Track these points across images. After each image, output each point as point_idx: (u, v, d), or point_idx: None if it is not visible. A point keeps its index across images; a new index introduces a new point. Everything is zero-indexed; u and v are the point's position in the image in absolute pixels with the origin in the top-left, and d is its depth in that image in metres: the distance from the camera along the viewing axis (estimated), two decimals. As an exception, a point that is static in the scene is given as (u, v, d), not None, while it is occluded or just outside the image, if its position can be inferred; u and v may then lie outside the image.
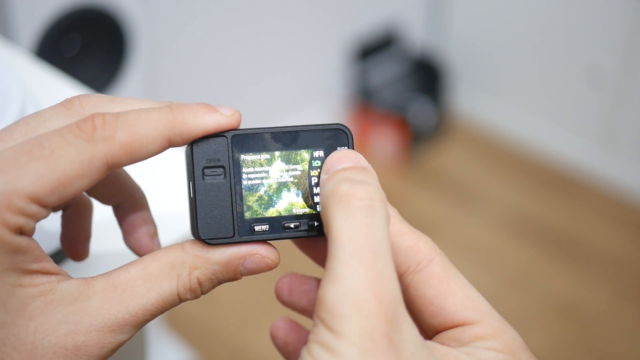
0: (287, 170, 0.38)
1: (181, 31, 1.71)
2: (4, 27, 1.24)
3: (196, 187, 0.37)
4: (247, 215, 0.38)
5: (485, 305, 0.38)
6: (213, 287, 0.38)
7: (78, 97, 0.37)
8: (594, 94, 2.02)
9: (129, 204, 0.43)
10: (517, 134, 2.21)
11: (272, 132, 0.38)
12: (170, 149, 0.37)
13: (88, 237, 0.44)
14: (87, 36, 1.34)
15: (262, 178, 0.38)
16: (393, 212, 0.39)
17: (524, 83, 2.18)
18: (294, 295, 0.43)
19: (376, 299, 0.32)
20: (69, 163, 0.34)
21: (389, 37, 2.21)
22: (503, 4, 2.15)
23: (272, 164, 0.38)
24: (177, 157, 0.61)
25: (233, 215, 0.38)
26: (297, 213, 0.38)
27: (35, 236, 0.35)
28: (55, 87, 0.68)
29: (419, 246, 0.39)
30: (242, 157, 0.38)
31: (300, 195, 0.38)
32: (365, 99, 2.16)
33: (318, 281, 0.43)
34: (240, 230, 0.38)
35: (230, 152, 0.38)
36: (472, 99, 2.29)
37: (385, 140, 2.13)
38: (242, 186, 0.38)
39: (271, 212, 0.38)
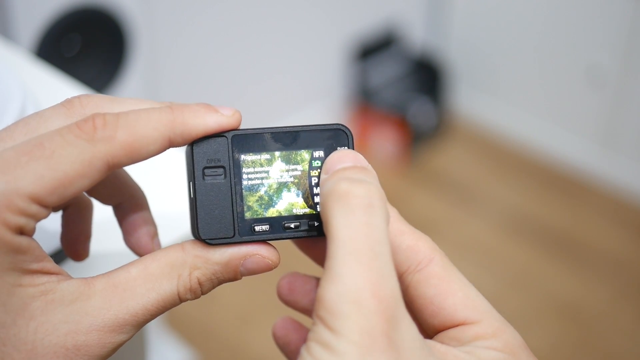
0: (288, 171, 0.38)
1: (181, 31, 1.71)
2: (4, 27, 1.24)
3: (196, 187, 0.37)
4: (248, 215, 0.38)
5: (485, 305, 0.38)
6: (213, 287, 0.38)
7: (78, 97, 0.37)
8: (594, 94, 2.02)
9: (129, 204, 0.43)
10: (517, 134, 2.21)
11: (272, 132, 0.38)
12: (171, 149, 0.37)
13: (88, 237, 0.44)
14: (87, 36, 1.34)
15: (262, 178, 0.38)
16: (393, 212, 0.39)
17: (524, 83, 2.19)
18: (295, 295, 0.43)
19: (375, 297, 0.32)
20: (70, 163, 0.34)
21: (389, 37, 2.21)
22: (503, 4, 2.15)
23: (272, 164, 0.38)
24: (177, 157, 0.61)
25: (233, 216, 0.38)
26: (298, 213, 0.38)
27: (35, 236, 0.35)
28: (55, 87, 0.68)
29: (418, 246, 0.39)
30: (243, 157, 0.38)
31: (301, 196, 0.38)
32: (365, 99, 2.16)
33: (319, 281, 0.43)
34: (240, 230, 0.38)
35: (230, 152, 0.38)
36: (472, 99, 2.29)
37: (385, 140, 2.13)
38: (243, 186, 0.38)
39: (271, 212, 0.38)
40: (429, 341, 0.37)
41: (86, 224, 0.43)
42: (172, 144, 0.36)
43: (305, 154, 0.39)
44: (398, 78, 2.21)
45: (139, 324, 0.36)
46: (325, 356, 0.32)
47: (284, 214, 0.38)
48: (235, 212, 0.38)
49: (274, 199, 0.38)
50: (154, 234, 0.44)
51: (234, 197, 0.38)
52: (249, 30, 1.86)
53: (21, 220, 0.33)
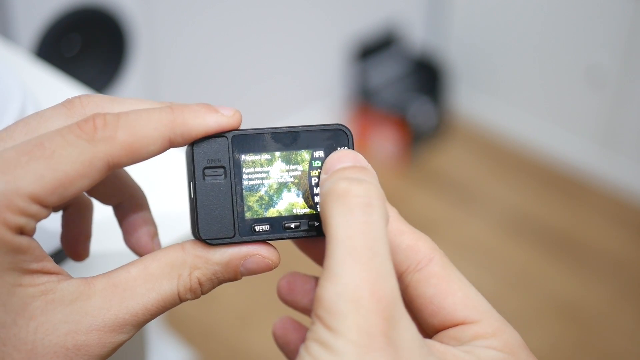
0: (288, 171, 0.38)
1: (181, 31, 1.71)
2: (4, 27, 1.24)
3: (197, 188, 0.37)
4: (248, 215, 0.38)
5: (484, 305, 0.38)
6: (213, 287, 0.38)
7: (79, 97, 0.37)
8: (594, 94, 2.02)
9: (129, 204, 0.43)
10: (517, 134, 2.21)
11: (272, 133, 0.38)
12: (171, 149, 0.37)
13: (88, 237, 0.44)
14: (87, 36, 1.34)
15: (262, 178, 0.38)
16: (393, 212, 0.39)
17: (524, 83, 2.19)
18: (295, 295, 0.43)
19: (373, 296, 0.32)
20: (70, 163, 0.34)
21: (389, 37, 2.21)
22: (503, 4, 2.15)
23: (272, 164, 0.38)
24: (177, 157, 0.61)
25: (234, 216, 0.38)
26: (298, 213, 0.38)
27: (35, 236, 0.35)
28: (55, 87, 0.68)
29: (418, 245, 0.39)
30: (243, 157, 0.38)
31: (301, 196, 0.38)
32: (365, 99, 2.16)
33: (318, 280, 0.43)
34: (240, 230, 0.38)
35: (230, 152, 0.38)
36: (472, 99, 2.29)
37: (385, 140, 2.13)
38: (243, 186, 0.38)
39: (272, 212, 0.38)
40: (428, 340, 0.37)
41: (86, 224, 0.43)
42: (173, 144, 0.36)
43: (305, 154, 0.39)
44: (398, 78, 2.21)
45: (139, 324, 0.36)
46: (323, 355, 0.32)
47: (284, 214, 0.38)
48: (235, 212, 0.38)
49: (274, 199, 0.38)
50: (154, 234, 0.44)
51: (234, 197, 0.38)
52: (249, 31, 1.86)
53: (21, 220, 0.33)
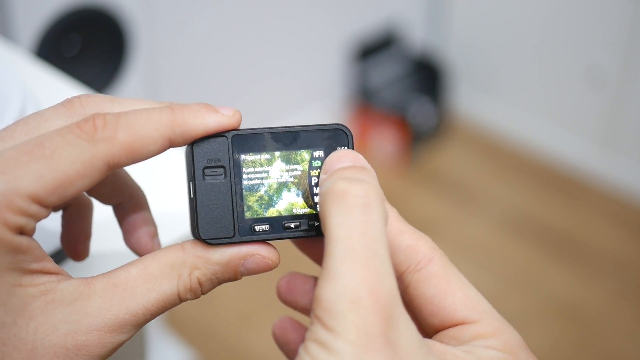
0: (288, 171, 0.38)
1: (181, 31, 1.71)
2: (4, 27, 1.24)
3: (196, 187, 0.37)
4: (248, 215, 0.38)
5: (484, 304, 0.38)
6: (213, 287, 0.38)
7: (79, 97, 0.37)
8: (594, 94, 2.02)
9: (129, 203, 0.43)
10: (517, 134, 2.21)
11: (272, 132, 0.38)
12: (171, 149, 0.37)
13: (88, 237, 0.44)
14: (87, 36, 1.34)
15: (262, 178, 0.38)
16: (392, 212, 0.39)
17: (524, 83, 2.19)
18: (295, 295, 0.43)
19: (372, 296, 0.32)
20: (70, 163, 0.34)
21: (389, 37, 2.21)
22: (503, 4, 2.15)
23: (272, 164, 0.38)
24: (177, 157, 0.61)
25: (233, 215, 0.38)
26: (298, 213, 0.38)
27: (35, 236, 0.35)
28: (55, 87, 0.68)
29: (418, 245, 0.39)
30: (243, 157, 0.38)
31: (301, 196, 0.38)
32: (365, 99, 2.16)
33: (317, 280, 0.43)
34: (240, 230, 0.38)
35: (230, 152, 0.38)
36: (472, 99, 2.29)
37: (385, 140, 2.13)
38: (243, 186, 0.38)
39: (271, 212, 0.38)
40: (428, 340, 0.37)
41: (86, 223, 0.43)
42: (173, 144, 0.36)
43: (305, 154, 0.39)
44: (398, 78, 2.21)
45: (139, 324, 0.36)
46: (322, 355, 0.32)
47: (284, 213, 0.38)
48: (235, 212, 0.38)
49: (274, 198, 0.38)
50: (154, 234, 0.44)
51: (234, 197, 0.38)
52: (249, 31, 1.86)
53: (21, 220, 0.33)
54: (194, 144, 0.37)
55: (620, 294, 1.78)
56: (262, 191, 0.38)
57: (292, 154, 0.38)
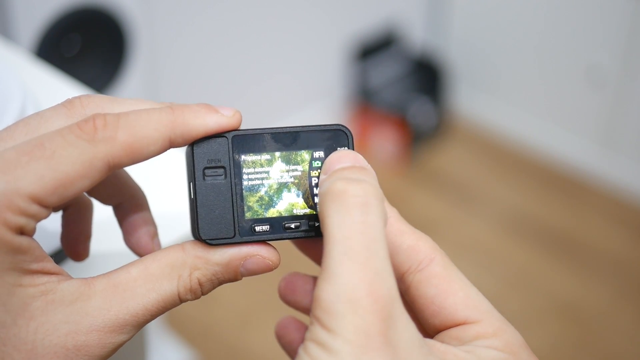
0: (288, 171, 0.38)
1: (181, 31, 1.71)
2: (4, 27, 1.24)
3: (197, 188, 0.37)
4: (248, 215, 0.38)
5: (486, 304, 0.38)
6: (213, 288, 0.38)
7: (79, 97, 0.37)
8: (594, 94, 2.02)
9: (129, 204, 0.43)
10: (517, 134, 2.21)
11: (272, 133, 0.38)
12: (171, 149, 0.37)
13: (88, 237, 0.44)
14: (87, 36, 1.34)
15: (262, 178, 0.38)
16: (393, 212, 0.39)
17: (524, 83, 2.19)
18: (296, 295, 0.43)
19: (370, 296, 0.32)
20: (70, 163, 0.34)
21: (389, 37, 2.21)
22: (503, 4, 2.15)
23: (272, 164, 0.38)
24: (177, 157, 0.61)
25: (234, 216, 0.38)
26: (298, 213, 0.38)
27: (35, 236, 0.35)
28: (55, 87, 0.68)
29: (419, 246, 0.39)
30: (243, 157, 0.38)
31: (301, 196, 0.38)
32: (365, 99, 2.16)
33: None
34: (240, 230, 0.38)
35: (230, 152, 0.38)
36: (472, 99, 2.29)
37: (385, 140, 2.13)
38: (243, 187, 0.38)
39: (272, 213, 0.38)
40: (428, 340, 0.37)
41: (86, 224, 0.43)
42: (173, 144, 0.36)
43: (305, 155, 0.39)
44: (398, 78, 2.21)
45: (139, 324, 0.36)
46: (322, 356, 0.32)
47: (284, 214, 0.38)
48: (235, 212, 0.38)
49: (274, 199, 0.38)
50: (154, 234, 0.44)
51: (234, 197, 0.38)
52: (248, 30, 1.86)
53: (21, 220, 0.33)
54: (194, 144, 0.37)
55: (620, 294, 1.78)
56: (262, 192, 0.38)
57: (293, 154, 0.38)
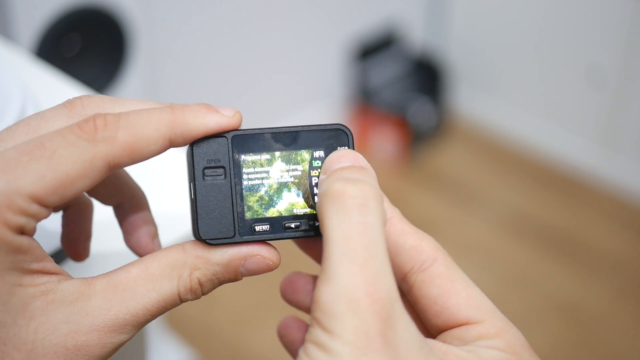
0: (288, 171, 0.38)
1: (181, 31, 1.71)
2: (4, 27, 1.24)
3: (196, 188, 0.37)
4: (248, 215, 0.38)
5: (488, 305, 0.38)
6: (214, 288, 0.38)
7: (80, 97, 0.37)
8: (594, 94, 2.02)
9: (129, 204, 0.43)
10: (517, 134, 2.21)
11: (272, 133, 0.38)
12: (171, 149, 0.37)
13: (88, 237, 0.44)
14: (87, 36, 1.34)
15: (262, 178, 0.38)
16: (395, 212, 0.39)
17: (524, 83, 2.19)
18: (298, 294, 0.43)
19: (370, 297, 0.32)
20: (71, 163, 0.34)
21: (389, 37, 2.21)
22: (503, 4, 2.15)
23: (272, 164, 0.38)
24: (177, 157, 0.61)
25: (234, 216, 0.38)
26: (298, 213, 0.38)
27: (36, 236, 0.35)
28: (55, 87, 0.68)
29: (422, 246, 0.39)
30: (243, 157, 0.38)
31: (301, 196, 0.38)
32: (365, 99, 2.16)
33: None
34: (240, 230, 0.38)
35: (230, 152, 0.38)
36: (472, 99, 2.29)
37: (385, 140, 2.13)
38: (243, 186, 0.38)
39: (272, 212, 0.38)
40: (430, 340, 0.37)
41: (86, 224, 0.43)
42: (173, 144, 0.36)
43: (305, 154, 0.39)
44: (398, 78, 2.21)
45: (140, 324, 0.36)
46: (321, 357, 0.32)
47: (284, 214, 0.38)
48: (235, 212, 0.38)
49: (274, 199, 0.38)
50: (155, 234, 0.44)
51: (234, 197, 0.38)
52: (248, 30, 1.86)
53: (22, 220, 0.33)
54: (193, 144, 0.37)
55: (620, 294, 1.78)
56: (262, 191, 0.38)
57: (293, 154, 0.38)
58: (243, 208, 0.38)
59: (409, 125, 2.10)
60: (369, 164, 0.37)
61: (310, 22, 2.01)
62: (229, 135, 0.38)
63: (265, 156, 0.38)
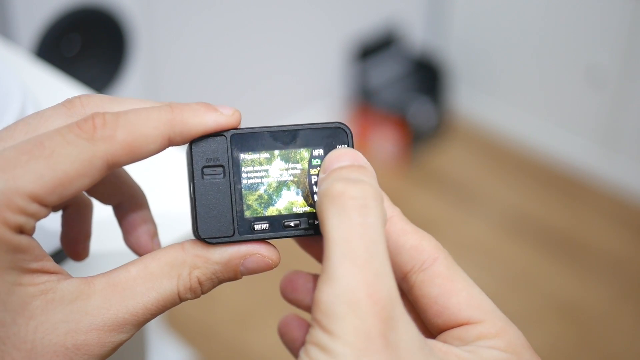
0: (287, 169, 0.38)
1: (181, 31, 1.71)
2: (4, 27, 1.24)
3: (195, 187, 0.37)
4: (247, 214, 0.38)
5: (488, 304, 0.38)
6: (213, 287, 0.38)
7: (79, 97, 0.37)
8: (594, 94, 2.02)
9: (129, 203, 0.43)
10: (517, 134, 2.21)
11: (271, 131, 0.38)
12: (171, 149, 0.37)
13: (88, 236, 0.44)
14: (87, 36, 1.34)
15: (261, 177, 0.38)
16: (396, 212, 0.39)
17: (524, 83, 2.19)
18: (298, 293, 0.42)
19: (370, 298, 0.32)
20: (70, 162, 0.34)
21: (389, 37, 2.21)
22: (503, 4, 2.15)
23: (271, 162, 0.38)
24: (177, 156, 0.61)
25: (233, 215, 0.38)
26: (297, 212, 0.38)
27: (35, 236, 0.35)
28: (55, 87, 0.68)
29: (422, 245, 0.39)
30: (242, 156, 0.38)
31: (300, 194, 0.38)
32: (365, 99, 2.16)
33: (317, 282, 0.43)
34: (240, 229, 0.38)
35: (229, 151, 0.38)
36: (472, 99, 2.29)
37: (385, 140, 2.13)
38: (242, 185, 0.38)
39: (271, 211, 0.38)
40: (430, 341, 0.37)
41: (86, 223, 0.43)
42: (172, 142, 0.36)
43: (304, 153, 0.39)
44: (398, 78, 2.21)
45: (139, 324, 0.36)
46: (322, 358, 0.32)
47: (283, 212, 0.38)
48: (234, 211, 0.38)
49: (274, 197, 0.38)
50: (154, 234, 0.44)
51: (233, 196, 0.38)
52: (249, 30, 1.86)
53: (21, 219, 0.33)
54: (192, 143, 0.37)
55: (620, 294, 1.78)
56: (261, 190, 0.38)
57: (292, 152, 0.38)
58: (242, 207, 0.38)
59: (409, 125, 2.10)
60: (368, 163, 0.37)
61: (310, 22, 2.01)
62: (228, 134, 0.38)
63: (264, 155, 0.38)
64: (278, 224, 0.38)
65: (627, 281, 1.81)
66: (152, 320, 0.37)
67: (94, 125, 0.34)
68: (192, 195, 0.38)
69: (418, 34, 2.30)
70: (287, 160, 0.38)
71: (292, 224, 0.38)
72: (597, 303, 1.76)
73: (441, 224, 1.97)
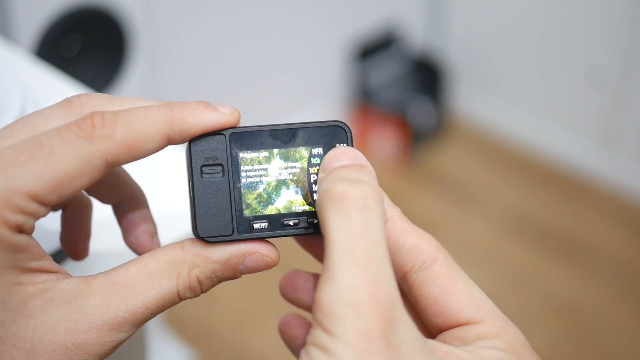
0: (286, 168, 0.38)
1: (181, 31, 1.71)
2: (4, 27, 1.24)
3: (194, 186, 0.37)
4: (246, 213, 0.38)
5: (488, 304, 0.38)
6: (213, 286, 0.38)
7: (78, 96, 0.37)
8: (594, 94, 2.02)
9: (128, 202, 0.43)
10: (517, 134, 2.21)
11: (270, 130, 0.38)
12: (170, 148, 0.37)
13: (88, 236, 0.44)
14: (87, 36, 1.34)
15: (260, 176, 0.38)
16: (396, 211, 0.39)
17: (524, 83, 2.19)
18: (297, 292, 0.42)
19: (371, 299, 0.32)
20: (69, 161, 0.34)
21: (389, 37, 2.21)
22: (503, 4, 2.15)
23: (270, 161, 0.38)
24: (176, 156, 0.61)
25: (232, 213, 0.37)
26: (297, 210, 0.38)
27: (35, 235, 0.35)
28: (55, 87, 0.68)
29: (422, 245, 0.39)
30: (241, 155, 0.38)
31: (300, 193, 0.38)
32: (365, 99, 2.16)
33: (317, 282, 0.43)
34: (239, 228, 0.37)
35: (228, 150, 0.38)
36: (472, 99, 2.29)
37: (385, 140, 2.13)
38: (241, 184, 0.38)
39: (270, 210, 0.38)
40: (430, 341, 0.37)
41: (85, 223, 0.43)
42: (171, 141, 0.36)
43: (304, 151, 0.38)
44: (398, 78, 2.21)
45: (139, 323, 0.36)
46: (323, 359, 0.32)
47: (282, 211, 0.38)
48: (233, 210, 0.38)
49: (273, 196, 0.38)
50: (154, 233, 0.44)
51: (232, 195, 0.38)
52: (248, 30, 1.86)
53: (20, 219, 0.33)
54: (191, 142, 0.37)
55: (620, 294, 1.78)
56: (260, 189, 0.38)
57: (291, 151, 0.38)
58: (241, 206, 0.38)
59: (409, 125, 2.10)
60: (368, 162, 0.36)
61: (310, 22, 2.01)
62: (227, 133, 0.38)
63: (263, 153, 0.38)
64: (277, 223, 0.38)
65: (627, 281, 1.81)
66: (152, 320, 0.37)
67: (92, 124, 0.34)
68: (191, 194, 0.38)
69: (418, 34, 2.30)
70: (286, 159, 0.38)
71: (291, 222, 0.38)
72: (597, 303, 1.76)
73: (441, 224, 1.97)
